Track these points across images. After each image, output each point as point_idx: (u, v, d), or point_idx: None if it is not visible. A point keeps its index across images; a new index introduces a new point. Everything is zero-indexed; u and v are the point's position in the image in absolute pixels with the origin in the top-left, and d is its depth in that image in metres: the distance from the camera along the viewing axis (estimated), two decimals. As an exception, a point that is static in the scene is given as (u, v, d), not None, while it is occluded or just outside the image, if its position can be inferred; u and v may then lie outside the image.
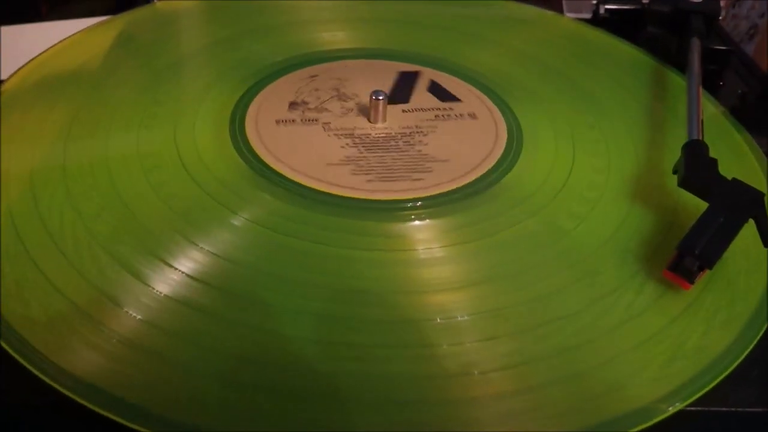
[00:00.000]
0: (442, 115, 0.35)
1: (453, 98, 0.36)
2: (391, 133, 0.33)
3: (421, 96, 0.36)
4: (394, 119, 0.34)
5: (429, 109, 0.35)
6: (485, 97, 0.37)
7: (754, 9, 0.66)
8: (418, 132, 0.34)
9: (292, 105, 0.35)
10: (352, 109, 0.35)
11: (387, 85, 0.37)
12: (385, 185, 0.30)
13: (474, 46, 0.41)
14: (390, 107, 0.34)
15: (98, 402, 0.21)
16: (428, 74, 0.38)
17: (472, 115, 0.35)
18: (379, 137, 0.33)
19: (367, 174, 0.30)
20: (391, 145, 0.33)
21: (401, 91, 0.37)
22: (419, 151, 0.32)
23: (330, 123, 0.34)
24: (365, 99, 0.35)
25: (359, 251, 0.27)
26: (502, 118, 0.35)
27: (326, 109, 0.35)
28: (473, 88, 0.37)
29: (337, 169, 0.31)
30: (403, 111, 0.35)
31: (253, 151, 0.31)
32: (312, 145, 0.32)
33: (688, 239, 0.25)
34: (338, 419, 0.22)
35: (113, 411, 0.21)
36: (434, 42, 0.41)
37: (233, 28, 0.41)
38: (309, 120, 0.34)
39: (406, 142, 0.33)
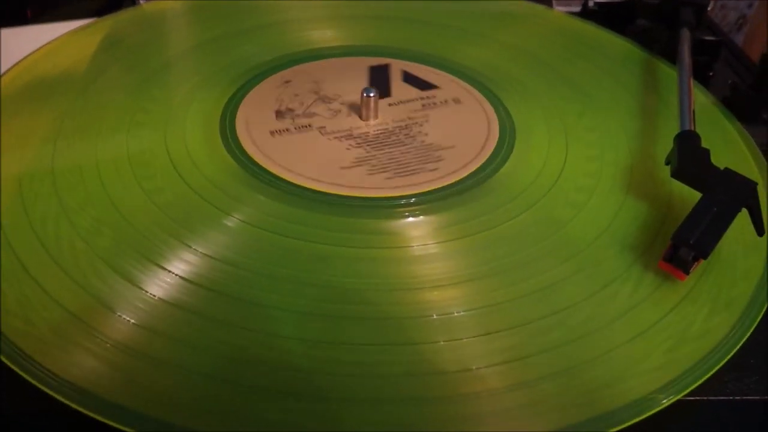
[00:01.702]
0: (429, 104, 0.35)
1: (429, 85, 0.37)
2: (388, 128, 0.33)
3: (399, 87, 0.37)
4: (384, 114, 0.34)
5: (414, 99, 0.36)
6: (477, 92, 0.37)
7: (742, -1, 0.67)
8: (413, 123, 0.34)
9: (279, 114, 0.34)
10: (340, 110, 0.35)
11: (363, 81, 0.37)
12: (405, 180, 0.30)
13: (464, 41, 0.41)
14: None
15: (92, 407, 0.21)
16: (399, 65, 0.38)
17: (457, 100, 0.35)
18: (378, 134, 0.33)
19: (384, 171, 0.30)
20: (393, 140, 0.33)
21: (379, 84, 0.36)
22: (422, 141, 0.32)
23: (325, 127, 0.33)
24: (350, 98, 0.35)
25: (354, 249, 0.27)
26: (494, 113, 0.35)
27: (315, 113, 0.34)
28: (461, 81, 0.37)
29: (351, 171, 0.30)
30: (390, 105, 0.35)
31: (244, 151, 0.31)
32: (316, 151, 0.32)
33: (682, 230, 0.25)
34: (335, 418, 0.21)
35: (107, 415, 0.21)
36: (424, 38, 0.41)
37: (220, 29, 0.41)
38: (302, 127, 0.33)
39: (406, 134, 0.33)
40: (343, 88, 0.36)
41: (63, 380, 0.22)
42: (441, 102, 0.35)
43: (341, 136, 0.33)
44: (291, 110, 0.34)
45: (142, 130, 0.32)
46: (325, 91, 0.36)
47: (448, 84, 0.37)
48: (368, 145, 0.32)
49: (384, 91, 0.36)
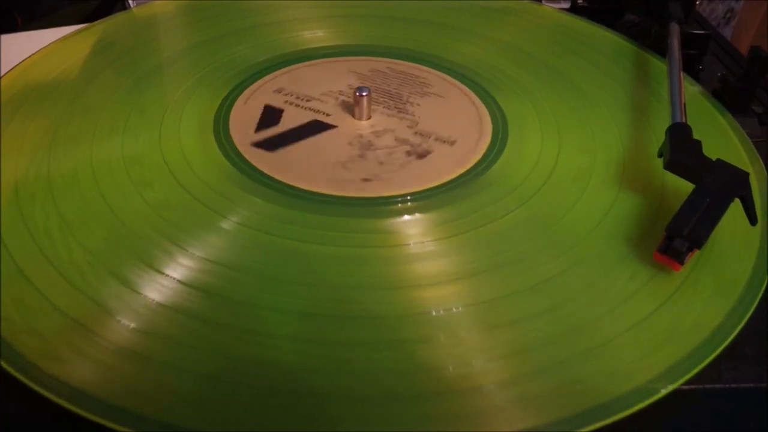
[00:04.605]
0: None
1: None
2: (380, 130, 0.33)
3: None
4: (378, 117, 0.34)
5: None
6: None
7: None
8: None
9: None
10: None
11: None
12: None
13: (455, 38, 0.41)
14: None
15: (92, 409, 0.21)
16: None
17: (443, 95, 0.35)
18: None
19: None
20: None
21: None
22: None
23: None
24: (343, 98, 0.35)
25: (350, 248, 0.27)
26: (486, 110, 0.35)
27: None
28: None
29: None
30: (386, 109, 0.35)
31: (239, 153, 0.31)
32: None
33: (676, 221, 0.26)
34: (332, 417, 0.21)
35: (106, 417, 0.21)
36: (415, 36, 0.41)
37: (212, 31, 0.41)
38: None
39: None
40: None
41: (63, 383, 0.22)
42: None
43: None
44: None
45: (137, 133, 0.32)
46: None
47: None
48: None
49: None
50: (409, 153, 0.32)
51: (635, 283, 0.26)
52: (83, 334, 0.23)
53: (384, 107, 0.35)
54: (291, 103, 0.35)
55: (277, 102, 0.35)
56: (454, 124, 0.34)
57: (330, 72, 0.38)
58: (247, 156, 0.31)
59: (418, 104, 0.35)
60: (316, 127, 0.34)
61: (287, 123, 0.34)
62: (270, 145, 0.32)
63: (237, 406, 0.21)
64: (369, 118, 0.34)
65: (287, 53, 0.39)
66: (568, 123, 0.34)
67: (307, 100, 0.35)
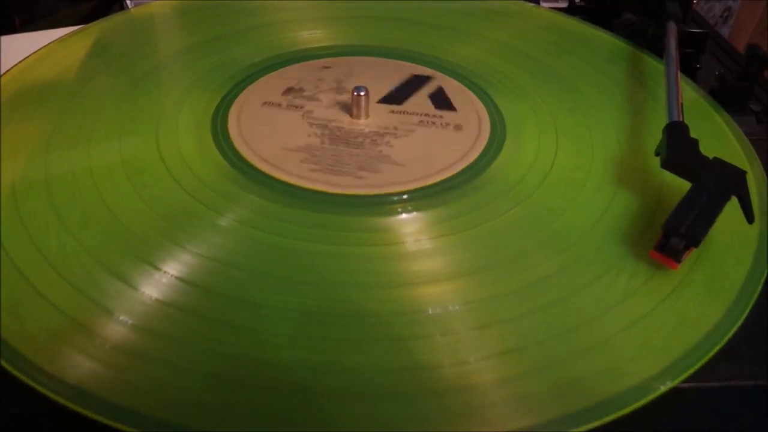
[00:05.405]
0: (426, 122, 0.34)
1: (450, 107, 0.35)
2: (364, 131, 0.33)
3: (418, 100, 0.36)
4: (376, 117, 0.34)
5: (417, 114, 0.35)
6: (466, 89, 0.37)
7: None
8: (391, 133, 0.33)
9: (288, 90, 0.35)
10: (340, 102, 0.35)
11: (393, 83, 0.37)
12: (325, 177, 0.30)
13: (453, 39, 0.42)
14: (380, 106, 0.35)
15: (93, 408, 0.21)
16: (439, 80, 0.38)
17: (458, 127, 0.34)
18: (350, 132, 0.33)
19: (315, 164, 0.31)
20: (356, 142, 0.32)
21: (401, 92, 0.36)
22: (380, 151, 0.32)
23: (312, 112, 0.34)
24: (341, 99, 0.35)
25: (348, 247, 0.27)
26: (485, 110, 0.35)
27: (317, 99, 0.34)
28: (453, 81, 0.38)
29: (289, 155, 0.31)
30: (392, 111, 0.35)
31: (237, 152, 0.31)
32: (280, 128, 0.33)
33: (673, 219, 0.26)
34: (330, 415, 0.22)
35: (107, 415, 0.21)
36: (414, 37, 0.42)
37: (210, 32, 0.41)
38: (294, 106, 0.34)
39: (373, 141, 0.33)
40: (367, 85, 0.35)
41: (63, 383, 0.22)
42: (441, 125, 0.34)
43: (315, 123, 0.33)
44: (301, 90, 0.34)
45: (135, 133, 0.32)
46: (348, 83, 0.36)
47: (467, 110, 0.35)
48: (327, 138, 0.32)
49: (398, 98, 0.36)
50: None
51: (633, 282, 0.26)
52: (83, 333, 0.23)
53: (392, 114, 0.35)
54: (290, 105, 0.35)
55: (299, 83, 0.36)
56: (447, 136, 0.34)
57: (383, 71, 0.38)
58: (245, 155, 0.31)
59: (416, 104, 0.36)
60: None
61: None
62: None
63: (236, 405, 0.22)
64: (367, 117, 0.34)
65: (285, 53, 0.39)
66: (565, 123, 0.34)
67: (330, 89, 0.36)
